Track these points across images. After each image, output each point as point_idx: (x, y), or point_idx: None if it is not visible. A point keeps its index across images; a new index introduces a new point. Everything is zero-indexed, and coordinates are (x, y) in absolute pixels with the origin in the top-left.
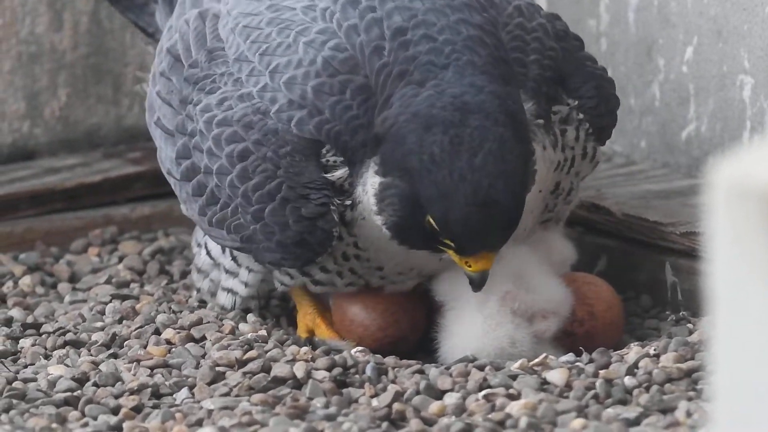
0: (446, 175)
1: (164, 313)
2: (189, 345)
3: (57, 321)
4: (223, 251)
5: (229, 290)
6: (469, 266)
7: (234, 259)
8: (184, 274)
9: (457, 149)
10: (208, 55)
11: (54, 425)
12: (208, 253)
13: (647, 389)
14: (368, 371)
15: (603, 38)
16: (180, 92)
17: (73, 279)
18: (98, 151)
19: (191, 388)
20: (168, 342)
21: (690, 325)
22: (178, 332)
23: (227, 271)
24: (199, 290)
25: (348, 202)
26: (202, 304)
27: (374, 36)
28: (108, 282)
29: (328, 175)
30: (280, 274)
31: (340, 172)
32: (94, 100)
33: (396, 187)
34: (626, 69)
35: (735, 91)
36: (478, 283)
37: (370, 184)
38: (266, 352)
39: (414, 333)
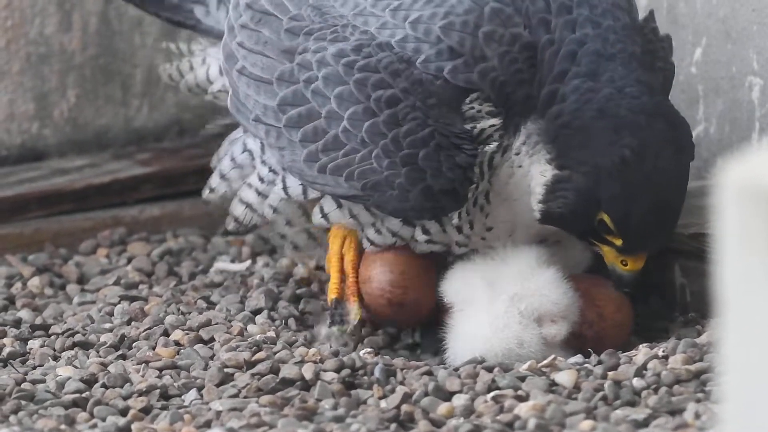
0: (633, 178)
1: (173, 314)
2: (198, 346)
3: (66, 322)
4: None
5: (248, 205)
6: (625, 264)
7: (270, 183)
8: (193, 275)
9: (643, 153)
10: (316, 11)
11: (62, 426)
12: (238, 165)
13: (656, 391)
14: (377, 373)
15: None
16: (280, 43)
17: (82, 280)
18: (107, 153)
19: (200, 389)
20: (177, 343)
21: (699, 327)
22: (187, 333)
23: (258, 193)
24: (212, 191)
25: (496, 148)
26: (211, 305)
27: (540, 7)
28: (117, 283)
29: (472, 125)
30: (370, 228)
31: (491, 122)
32: (103, 102)
33: (574, 183)
34: None
35: (744, 92)
36: (627, 282)
37: (538, 170)
38: (275, 353)
39: (426, 299)
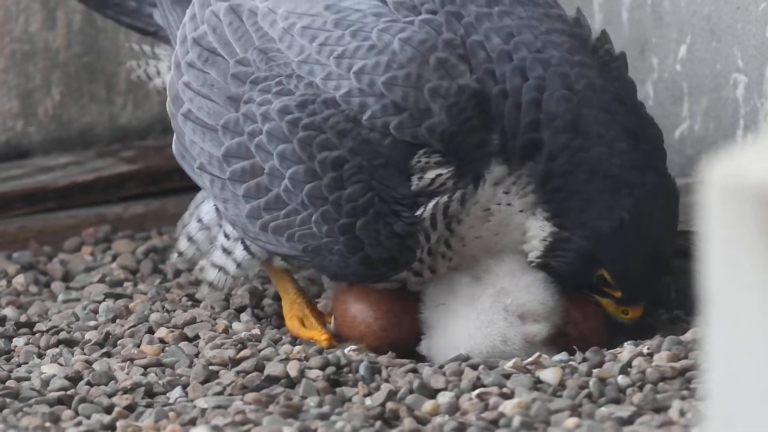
0: (631, 236)
1: (158, 311)
2: (182, 344)
3: (50, 320)
4: (225, 235)
5: (220, 268)
6: (625, 314)
7: (235, 240)
8: (178, 272)
9: (641, 212)
10: (262, 55)
11: (47, 424)
12: (205, 227)
13: (641, 388)
14: (361, 370)
15: None
16: (227, 89)
17: (67, 278)
18: (91, 150)
19: (184, 387)
20: (161, 341)
21: (684, 324)
22: (172, 331)
23: (224, 250)
24: (180, 254)
25: (455, 196)
26: (196, 302)
27: (482, 57)
28: (101, 281)
29: (419, 176)
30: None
31: (438, 171)
32: (87, 99)
33: (574, 243)
34: None
35: (728, 89)
36: (630, 327)
37: (536, 225)
38: (259, 351)
39: (413, 335)
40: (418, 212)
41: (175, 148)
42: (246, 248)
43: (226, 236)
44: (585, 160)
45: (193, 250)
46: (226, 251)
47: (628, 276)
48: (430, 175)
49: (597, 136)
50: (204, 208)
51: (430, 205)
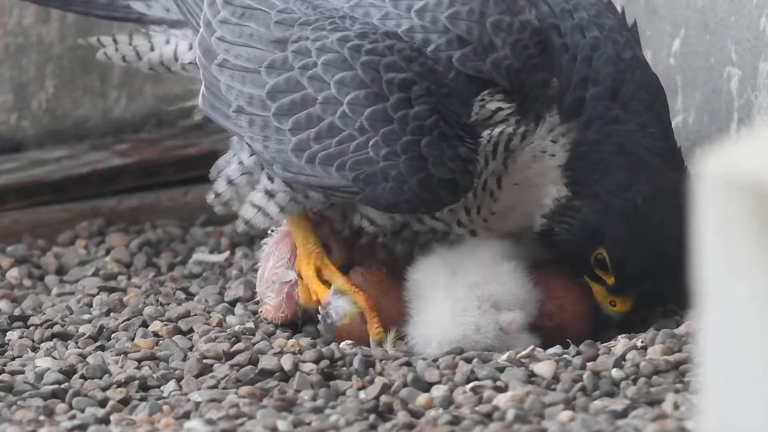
0: (641, 225)
1: (151, 305)
2: (176, 337)
3: (44, 313)
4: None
5: (260, 209)
6: (613, 305)
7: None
8: (172, 266)
9: (655, 202)
10: (306, 4)
11: (41, 418)
12: (247, 170)
13: (635, 381)
14: (355, 364)
15: None
16: (270, 34)
17: (61, 271)
18: (85, 143)
19: (179, 380)
20: (155, 334)
21: (677, 318)
22: (166, 324)
23: (265, 190)
24: (218, 195)
25: (519, 131)
26: (190, 296)
27: (545, 11)
28: (95, 274)
29: (485, 105)
30: (353, 214)
31: (500, 104)
32: (81, 92)
33: (583, 214)
34: None
35: (722, 82)
36: (614, 322)
37: (553, 185)
38: (254, 344)
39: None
40: (483, 136)
41: (204, 100)
42: (288, 188)
43: (270, 179)
44: (616, 132)
45: (232, 192)
46: (269, 193)
47: (627, 263)
48: (491, 106)
49: (635, 113)
50: (244, 153)
51: (496, 131)
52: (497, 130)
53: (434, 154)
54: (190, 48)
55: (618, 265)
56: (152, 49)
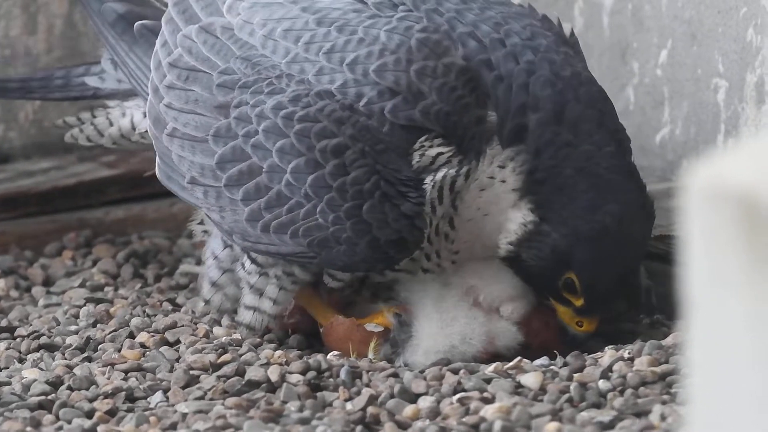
0: (609, 244)
1: (138, 316)
2: (163, 348)
3: (31, 324)
4: (248, 266)
5: (255, 309)
6: (580, 326)
7: (263, 275)
8: (158, 277)
9: (623, 220)
10: (245, 62)
11: (28, 429)
12: (225, 268)
13: (621, 393)
14: (342, 375)
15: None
16: (213, 98)
17: (48, 282)
18: (72, 155)
19: (165, 391)
20: (142, 345)
21: (665, 329)
22: (153, 336)
23: (252, 288)
24: (207, 302)
25: (461, 171)
26: (177, 307)
27: (473, 47)
28: (82, 285)
29: (419, 155)
30: (329, 278)
31: (439, 149)
32: (67, 104)
33: (552, 239)
34: (600, 72)
35: (709, 94)
36: (580, 341)
37: (517, 212)
38: (240, 355)
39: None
40: (426, 183)
41: (160, 171)
42: (274, 277)
43: (249, 272)
44: (572, 156)
45: (221, 297)
46: (257, 290)
47: (597, 285)
48: (431, 153)
49: (586, 134)
50: (218, 246)
51: (439, 176)
52: (439, 174)
53: (377, 218)
54: (144, 116)
55: (588, 286)
56: (111, 124)
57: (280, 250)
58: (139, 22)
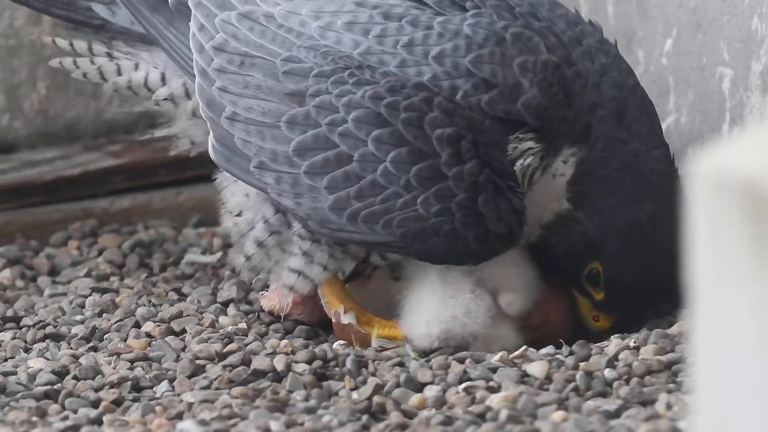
0: (641, 244)
1: (144, 306)
2: (169, 338)
3: (37, 314)
4: (302, 232)
5: (300, 273)
6: (596, 320)
7: (315, 241)
8: (164, 267)
9: (657, 222)
10: (312, 51)
11: (34, 419)
12: (275, 229)
13: (627, 381)
14: (348, 364)
15: None
16: (281, 86)
17: (53, 272)
18: (78, 144)
19: (171, 381)
20: (148, 335)
21: (670, 318)
22: (158, 325)
23: (304, 253)
24: (248, 258)
25: (537, 164)
26: (182, 297)
27: (554, 43)
28: (88, 275)
29: (518, 145)
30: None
31: (529, 144)
32: (73, 93)
33: (583, 226)
34: None
35: (714, 83)
36: (593, 334)
37: (555, 198)
38: (246, 345)
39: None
40: (516, 168)
41: (216, 153)
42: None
43: (303, 238)
44: (621, 150)
45: (262, 255)
46: (307, 255)
47: (620, 280)
48: (523, 147)
49: (638, 134)
50: (268, 211)
51: (526, 162)
52: (527, 161)
53: (491, 211)
54: (163, 81)
55: (611, 281)
56: (119, 73)
57: (367, 239)
58: None
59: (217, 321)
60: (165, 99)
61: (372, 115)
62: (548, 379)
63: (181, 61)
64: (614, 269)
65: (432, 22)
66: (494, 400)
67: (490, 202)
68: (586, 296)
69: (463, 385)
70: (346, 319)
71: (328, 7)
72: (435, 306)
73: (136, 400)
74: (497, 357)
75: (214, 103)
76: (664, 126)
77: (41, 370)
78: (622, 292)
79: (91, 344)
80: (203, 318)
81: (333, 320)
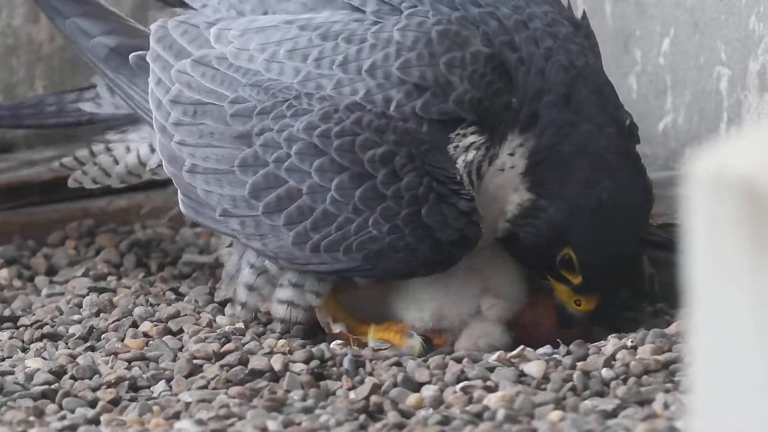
0: (605, 222)
1: (141, 305)
2: (166, 338)
3: (34, 314)
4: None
5: (290, 303)
6: (578, 304)
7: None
8: (161, 266)
9: (617, 199)
10: (255, 88)
11: (31, 418)
12: (262, 270)
13: (624, 381)
14: (346, 364)
15: None
16: (231, 129)
17: (51, 272)
18: (75, 144)
19: (169, 380)
20: (145, 335)
21: (667, 317)
22: (156, 325)
23: (292, 284)
24: (243, 305)
25: (482, 156)
26: (180, 296)
27: (495, 27)
28: (85, 275)
29: (459, 143)
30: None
31: (471, 138)
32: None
33: (548, 214)
34: (603, 61)
35: (712, 82)
36: (579, 321)
37: (513, 190)
38: (243, 344)
39: None
40: (458, 164)
41: (185, 206)
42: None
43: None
44: (572, 134)
45: (256, 297)
46: (297, 285)
47: (594, 261)
48: (466, 142)
49: (588, 116)
50: (251, 255)
51: (469, 156)
52: (470, 155)
53: (437, 220)
54: (153, 150)
55: (586, 263)
56: (116, 162)
57: (335, 267)
58: (134, 53)
59: (215, 321)
60: (158, 166)
61: (310, 146)
62: (545, 378)
63: (146, 116)
64: (587, 251)
65: (367, 34)
66: (491, 400)
67: (434, 211)
68: (563, 282)
69: (461, 384)
70: (337, 328)
71: (273, 37)
72: (427, 287)
73: (133, 399)
74: (494, 357)
75: (175, 158)
76: (660, 126)
77: (39, 369)
78: (599, 271)
79: (88, 344)
80: (200, 318)
81: (326, 330)
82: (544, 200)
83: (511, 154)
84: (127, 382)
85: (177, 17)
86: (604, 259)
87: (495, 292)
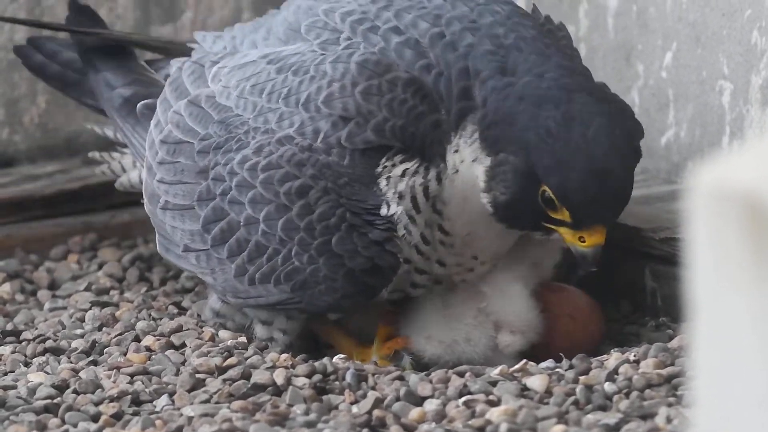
0: (563, 145)
1: (144, 320)
2: (169, 352)
3: (37, 328)
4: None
5: (270, 339)
6: (583, 241)
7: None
8: (164, 281)
9: (570, 123)
10: (221, 125)
11: None
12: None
13: (627, 395)
14: (348, 378)
15: (582, 43)
16: (195, 165)
17: (53, 286)
18: (77, 158)
19: (171, 395)
20: (148, 349)
21: (670, 331)
22: (158, 339)
23: (263, 323)
24: (207, 321)
25: (430, 175)
26: (182, 310)
27: (410, 57)
28: (88, 289)
29: (390, 174)
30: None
31: (403, 166)
32: (73, 107)
33: (509, 163)
34: (605, 74)
35: (714, 96)
36: (591, 259)
37: (478, 165)
38: (246, 359)
39: None
40: (388, 197)
41: (159, 245)
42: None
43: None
44: (513, 92)
45: (222, 320)
46: (266, 323)
47: (569, 189)
48: (398, 171)
49: (526, 71)
50: (215, 302)
51: (401, 186)
52: (401, 185)
53: (347, 249)
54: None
55: (561, 192)
56: (123, 170)
57: (269, 300)
58: (142, 102)
59: (217, 335)
60: None
61: (243, 179)
62: (548, 392)
63: (142, 164)
64: (556, 181)
65: (311, 66)
66: (494, 414)
67: (344, 240)
68: (560, 225)
69: (463, 398)
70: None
71: (247, 72)
72: (436, 326)
73: (136, 414)
74: (497, 371)
75: (153, 195)
76: (663, 140)
77: (41, 384)
78: (578, 198)
79: (91, 358)
80: (203, 332)
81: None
82: (502, 154)
83: (457, 151)
84: (129, 397)
85: (194, 53)
86: (577, 186)
87: (510, 327)
